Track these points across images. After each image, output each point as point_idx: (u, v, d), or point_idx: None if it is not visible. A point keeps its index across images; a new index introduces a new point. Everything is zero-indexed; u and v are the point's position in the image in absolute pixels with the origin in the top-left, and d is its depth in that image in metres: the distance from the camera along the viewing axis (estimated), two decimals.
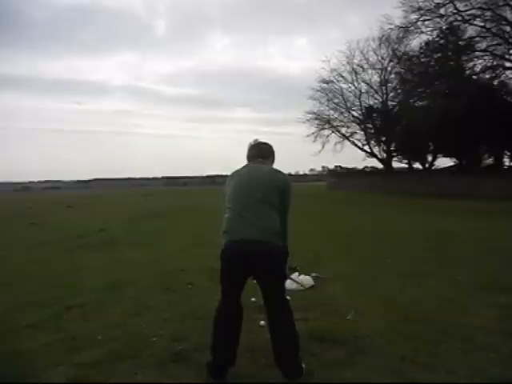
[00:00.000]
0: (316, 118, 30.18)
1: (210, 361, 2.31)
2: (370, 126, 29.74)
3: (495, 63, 20.09)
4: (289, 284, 4.13)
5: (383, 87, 28.45)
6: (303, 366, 2.26)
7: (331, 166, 45.88)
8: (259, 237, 2.16)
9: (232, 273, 2.28)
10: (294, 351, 2.23)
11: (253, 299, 3.35)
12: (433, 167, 27.59)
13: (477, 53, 20.24)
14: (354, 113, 30.14)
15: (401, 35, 22.31)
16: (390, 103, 28.42)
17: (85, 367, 2.47)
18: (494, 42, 19.39)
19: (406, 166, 29.79)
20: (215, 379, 2.27)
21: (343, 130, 30.53)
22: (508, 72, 20.61)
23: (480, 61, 20.57)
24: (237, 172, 2.44)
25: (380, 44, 26.46)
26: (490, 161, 24.92)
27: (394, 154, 29.56)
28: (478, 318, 3.10)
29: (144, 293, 4.09)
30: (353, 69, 28.62)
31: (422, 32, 20.96)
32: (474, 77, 21.42)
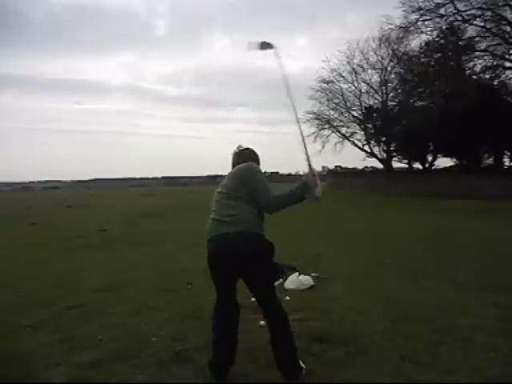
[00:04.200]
0: (316, 118, 30.12)
1: (210, 360, 2.31)
2: (370, 126, 29.70)
3: (495, 63, 20.09)
4: (289, 284, 4.14)
5: (383, 87, 28.42)
6: (302, 365, 2.26)
7: (331, 166, 45.95)
8: (228, 228, 2.14)
9: (213, 272, 2.28)
10: (290, 352, 2.23)
11: (252, 299, 3.35)
12: (433, 167, 27.58)
13: (477, 53, 20.23)
14: (354, 113, 30.10)
15: (401, 35, 22.31)
16: (389, 103, 28.38)
17: (85, 367, 2.47)
18: (494, 42, 19.38)
19: (406, 166, 29.80)
20: (216, 379, 2.27)
21: (343, 130, 30.50)
22: (508, 72, 20.62)
23: (480, 61, 20.59)
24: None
25: (380, 44, 26.41)
26: (490, 161, 24.93)
27: (394, 154, 29.54)
28: (478, 317, 3.10)
29: (144, 293, 4.09)
30: (353, 69, 28.59)
31: (422, 32, 20.97)
32: (474, 77, 21.41)
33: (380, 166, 30.91)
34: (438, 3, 19.21)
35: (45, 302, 3.85)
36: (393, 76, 27.34)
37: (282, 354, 2.23)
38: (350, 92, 29.39)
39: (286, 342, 2.22)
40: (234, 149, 2.62)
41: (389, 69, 27.28)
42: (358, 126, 30.14)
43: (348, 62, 28.39)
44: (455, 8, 19.18)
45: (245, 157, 2.51)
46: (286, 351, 2.23)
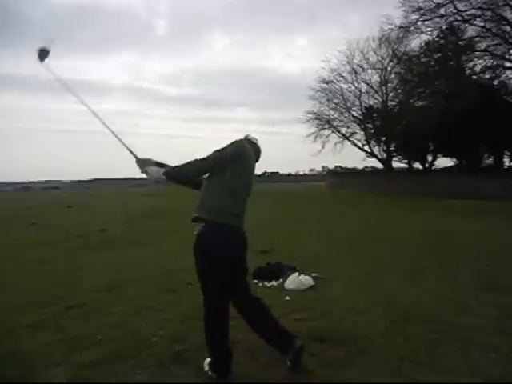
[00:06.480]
0: (316, 118, 30.15)
1: (211, 362, 2.31)
2: (370, 126, 29.70)
3: (495, 63, 20.10)
4: (289, 284, 4.14)
5: (383, 87, 28.41)
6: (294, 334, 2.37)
7: (331, 166, 46.01)
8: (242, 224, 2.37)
9: (228, 266, 2.28)
10: (281, 334, 2.34)
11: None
12: (433, 167, 27.60)
13: (477, 53, 20.24)
14: (354, 113, 30.10)
15: (401, 35, 22.34)
16: (389, 103, 28.39)
17: (85, 367, 2.47)
18: (494, 42, 19.39)
19: (406, 166, 29.82)
20: (220, 378, 2.27)
21: (343, 130, 30.50)
22: (508, 72, 20.65)
23: (480, 61, 20.60)
24: (248, 153, 2.32)
25: (380, 44, 26.44)
26: (490, 161, 24.95)
27: (394, 154, 29.55)
28: (478, 318, 3.11)
29: (144, 293, 4.09)
30: (353, 69, 28.60)
31: (422, 32, 20.99)
32: (474, 77, 21.42)
33: (380, 166, 30.94)
34: (438, 3, 19.22)
35: (45, 301, 3.85)
36: (393, 76, 27.38)
37: (277, 341, 2.34)
38: (350, 92, 29.44)
39: (275, 330, 2.33)
40: (249, 136, 2.52)
41: (389, 69, 27.32)
42: (358, 126, 30.16)
43: (348, 62, 28.44)
44: (455, 8, 19.19)
45: (257, 152, 2.49)
46: (278, 338, 2.33)
